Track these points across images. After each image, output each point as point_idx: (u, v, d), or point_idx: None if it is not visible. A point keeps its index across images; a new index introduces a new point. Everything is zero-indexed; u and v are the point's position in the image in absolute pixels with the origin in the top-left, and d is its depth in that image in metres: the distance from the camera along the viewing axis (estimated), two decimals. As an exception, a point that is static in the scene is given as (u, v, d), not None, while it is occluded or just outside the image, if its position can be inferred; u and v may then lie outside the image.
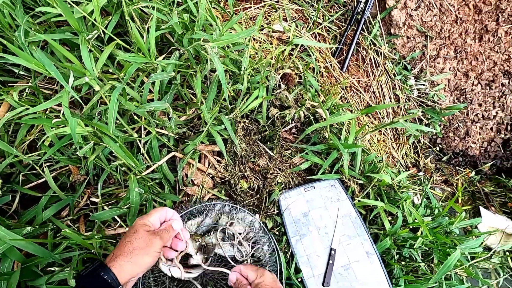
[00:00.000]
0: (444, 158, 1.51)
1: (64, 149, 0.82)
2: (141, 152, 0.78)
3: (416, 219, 0.92)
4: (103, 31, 0.79)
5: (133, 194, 0.63)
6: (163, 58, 0.90)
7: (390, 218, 0.96)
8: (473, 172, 1.46)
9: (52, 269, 0.58)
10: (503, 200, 1.48)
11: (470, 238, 1.00)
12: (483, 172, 1.53)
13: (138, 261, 0.53)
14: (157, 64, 0.79)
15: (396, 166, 1.32)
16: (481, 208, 1.46)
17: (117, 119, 0.74)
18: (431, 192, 1.17)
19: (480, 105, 1.42)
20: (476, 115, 1.44)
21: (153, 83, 0.82)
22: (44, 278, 0.62)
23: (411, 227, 0.94)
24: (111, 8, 0.84)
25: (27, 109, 0.71)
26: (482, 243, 1.15)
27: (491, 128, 1.47)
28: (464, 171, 1.48)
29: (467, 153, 1.48)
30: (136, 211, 0.65)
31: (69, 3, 0.74)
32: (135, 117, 0.83)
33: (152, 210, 0.61)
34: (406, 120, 0.70)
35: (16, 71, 0.84)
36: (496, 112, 1.44)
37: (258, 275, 0.62)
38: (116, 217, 0.79)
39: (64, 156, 0.78)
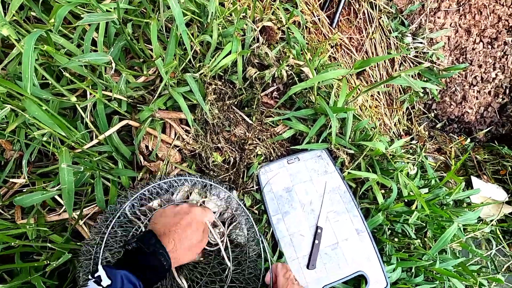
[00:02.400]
0: (439, 125, 1.41)
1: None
2: (84, 122, 0.63)
3: (412, 192, 0.82)
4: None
5: (64, 172, 0.49)
6: (110, 2, 0.71)
7: (383, 191, 0.86)
8: (468, 140, 1.37)
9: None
10: (496, 168, 1.42)
11: (466, 210, 0.93)
12: (477, 139, 1.45)
13: (187, 254, 0.53)
14: (99, 8, 0.62)
15: (388, 134, 1.21)
16: (472, 177, 1.39)
17: (46, 79, 0.57)
18: (427, 162, 1.07)
19: (480, 66, 1.30)
20: (475, 77, 1.32)
21: (98, 33, 0.65)
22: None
23: (405, 200, 0.85)
24: None
25: None
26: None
27: (489, 92, 1.37)
28: (459, 139, 1.40)
29: (463, 119, 1.39)
30: (71, 193, 0.51)
31: None
32: (78, 80, 0.67)
33: (206, 209, 0.61)
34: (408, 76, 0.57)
35: None
36: (496, 74, 1.32)
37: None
38: (60, 200, 0.65)
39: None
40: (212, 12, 0.67)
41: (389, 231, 0.85)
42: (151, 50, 0.78)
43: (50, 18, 0.61)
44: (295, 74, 0.86)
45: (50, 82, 0.59)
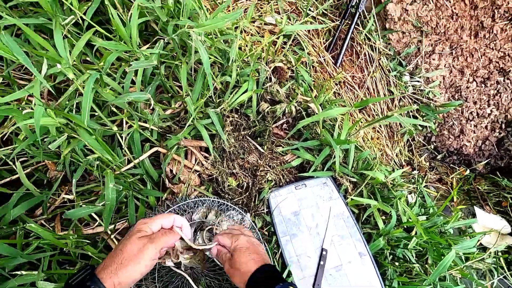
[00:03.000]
0: (439, 157, 1.48)
1: (41, 144, 0.77)
2: (122, 147, 0.73)
3: (410, 219, 0.88)
4: (82, 18, 0.74)
5: (109, 191, 0.59)
6: (147, 48, 0.85)
7: (384, 217, 0.92)
8: (468, 171, 1.43)
9: (19, 272, 0.53)
10: (498, 199, 1.46)
11: (465, 238, 0.97)
12: (478, 171, 1.51)
13: (129, 271, 0.49)
14: (140, 54, 0.75)
15: (390, 164, 1.29)
16: (475, 207, 1.44)
17: (94, 111, 0.69)
18: (426, 191, 1.14)
19: (475, 103, 1.40)
20: (471, 113, 1.42)
21: (136, 74, 0.78)
22: (13, 281, 0.57)
23: (405, 226, 0.91)
24: (91, -7, 0.79)
25: (-4, 99, 0.65)
26: (478, 241, 1.13)
27: (486, 127, 1.45)
28: (459, 170, 1.46)
29: (462, 151, 1.46)
30: (112, 208, 0.60)
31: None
32: (117, 111, 0.79)
33: (156, 216, 0.57)
34: (401, 115, 0.66)
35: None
36: (491, 110, 1.41)
37: (233, 241, 0.61)
38: (95, 216, 0.74)
39: (38, 150, 0.73)
40: (232, 58, 0.79)
41: (391, 255, 0.90)
42: (178, 86, 0.91)
43: (100, 62, 0.74)
44: (303, 109, 0.97)
45: (96, 114, 0.70)
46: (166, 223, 0.57)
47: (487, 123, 1.44)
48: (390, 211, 0.87)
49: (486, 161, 1.47)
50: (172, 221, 0.58)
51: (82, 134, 0.60)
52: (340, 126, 0.96)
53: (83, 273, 0.48)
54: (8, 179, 0.78)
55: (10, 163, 0.74)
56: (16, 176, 0.77)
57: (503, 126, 1.44)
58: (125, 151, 0.73)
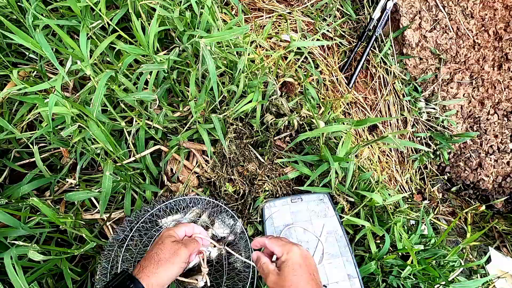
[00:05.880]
0: (453, 189, 1.42)
1: (56, 132, 0.85)
2: (127, 142, 0.79)
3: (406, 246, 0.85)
4: (108, 23, 0.82)
5: (106, 178, 0.64)
6: (164, 54, 0.92)
7: (379, 241, 0.90)
8: (484, 207, 1.35)
9: (17, 242, 0.59)
10: (517, 242, 1.36)
11: (474, 277, 0.92)
12: (496, 209, 1.42)
13: (165, 271, 0.53)
14: (155, 58, 0.81)
15: (398, 189, 1.25)
16: (490, 248, 1.34)
17: (106, 106, 0.76)
18: (433, 221, 1.09)
19: (496, 136, 1.34)
20: (491, 146, 1.35)
21: (151, 74, 0.84)
22: (13, 249, 0.62)
23: (400, 254, 0.88)
24: (121, 2, 0.88)
25: (25, 88, 0.74)
26: (485, 283, 1.05)
27: (508, 163, 1.37)
28: (474, 205, 1.38)
29: (478, 186, 1.39)
30: (107, 196, 0.65)
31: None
32: (128, 110, 0.85)
33: (179, 224, 0.64)
34: (395, 137, 0.66)
35: (27, 53, 0.90)
36: (514, 146, 1.34)
37: (285, 251, 0.56)
38: (96, 203, 0.80)
39: (55, 137, 0.80)
40: (240, 69, 0.84)
41: (383, 283, 0.87)
42: (188, 92, 0.96)
43: (118, 63, 0.81)
44: (306, 124, 0.99)
45: (108, 109, 0.77)
46: (188, 231, 0.63)
47: (510, 158, 1.37)
48: (384, 235, 0.85)
49: (506, 197, 1.38)
50: (192, 229, 0.64)
51: (91, 125, 0.66)
52: (344, 144, 0.96)
53: (121, 275, 0.52)
54: (26, 161, 0.86)
55: (30, 145, 0.83)
56: (34, 159, 0.86)
57: (527, 163, 1.36)
58: (129, 145, 0.78)
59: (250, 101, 0.92)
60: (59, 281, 0.75)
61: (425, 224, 1.04)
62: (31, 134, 0.82)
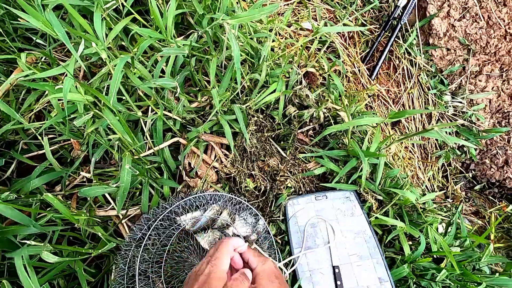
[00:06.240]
0: (477, 187, 1.35)
1: (68, 123, 0.79)
2: (144, 133, 0.73)
3: (441, 248, 0.79)
4: (123, 5, 0.76)
5: (125, 172, 0.58)
6: (181, 39, 0.86)
7: (410, 243, 0.84)
8: (510, 207, 1.29)
9: (28, 242, 0.53)
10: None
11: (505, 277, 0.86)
12: (523, 209, 1.36)
13: None
14: (173, 43, 0.75)
15: (421, 187, 1.19)
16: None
17: (122, 95, 0.70)
18: (461, 222, 1.03)
19: (524, 132, 1.27)
20: (519, 143, 1.28)
21: (167, 64, 0.78)
22: (24, 249, 0.57)
23: (434, 256, 0.82)
24: (135, -17, 0.82)
25: (33, 73, 0.68)
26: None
27: (536, 160, 1.30)
28: (500, 204, 1.32)
29: (505, 184, 1.32)
30: (126, 191, 0.59)
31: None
32: (145, 98, 0.79)
33: (219, 252, 0.51)
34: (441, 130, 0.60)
35: (34, 38, 0.84)
36: (544, 143, 1.28)
37: (261, 262, 0.53)
38: (110, 199, 0.74)
39: (65, 127, 0.75)
40: (264, 56, 0.78)
41: (414, 285, 0.81)
42: (207, 81, 0.90)
43: (134, 48, 0.75)
44: (332, 117, 0.92)
45: (124, 98, 0.71)
46: (231, 253, 0.53)
47: (538, 156, 1.30)
48: (419, 236, 0.79)
49: (533, 198, 1.32)
50: (232, 247, 0.53)
51: (107, 114, 0.60)
52: (370, 140, 0.91)
53: None
54: (35, 153, 0.80)
55: (39, 137, 0.77)
56: (43, 151, 0.80)
57: (557, 161, 1.29)
58: (146, 137, 0.72)
59: (273, 92, 0.85)
60: (71, 282, 0.70)
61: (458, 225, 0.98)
62: (40, 124, 0.76)
